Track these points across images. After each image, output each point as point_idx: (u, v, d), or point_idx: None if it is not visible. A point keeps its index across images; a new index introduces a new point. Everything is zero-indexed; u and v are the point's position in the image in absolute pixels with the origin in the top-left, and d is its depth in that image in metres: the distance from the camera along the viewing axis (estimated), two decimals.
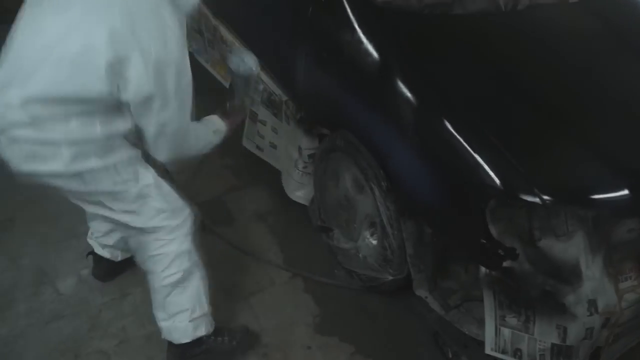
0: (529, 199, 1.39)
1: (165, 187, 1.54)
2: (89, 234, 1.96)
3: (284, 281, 2.07)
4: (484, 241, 1.46)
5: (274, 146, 2.33)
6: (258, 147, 2.41)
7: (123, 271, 2.01)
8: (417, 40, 1.69)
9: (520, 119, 1.52)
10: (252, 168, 2.51)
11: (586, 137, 1.49)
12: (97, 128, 1.37)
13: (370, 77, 1.69)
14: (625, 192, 1.44)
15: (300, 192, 2.25)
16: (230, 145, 1.87)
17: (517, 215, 1.44)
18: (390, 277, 1.87)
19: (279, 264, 2.12)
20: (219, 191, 2.46)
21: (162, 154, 1.47)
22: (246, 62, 1.75)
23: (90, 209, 1.58)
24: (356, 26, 1.73)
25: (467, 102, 1.54)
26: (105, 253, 1.95)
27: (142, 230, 1.53)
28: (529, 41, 1.76)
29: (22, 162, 1.38)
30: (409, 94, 1.58)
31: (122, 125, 1.40)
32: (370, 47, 1.69)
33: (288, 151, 2.21)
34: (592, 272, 1.45)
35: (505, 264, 1.47)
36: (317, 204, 2.19)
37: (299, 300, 2.01)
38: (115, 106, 1.36)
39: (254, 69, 1.76)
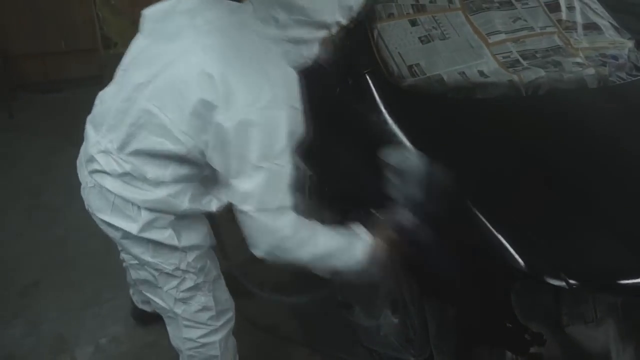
0: (555, 282, 1.38)
1: (221, 283, 1.48)
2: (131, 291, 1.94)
3: (302, 358, 2.03)
4: (510, 325, 1.44)
5: None
6: None
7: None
8: (441, 123, 1.76)
9: (546, 201, 1.53)
10: None
11: (613, 220, 1.48)
12: (185, 202, 1.28)
13: (394, 158, 1.74)
14: None
15: None
16: None
17: (544, 299, 1.42)
18: (412, 358, 1.82)
19: (297, 340, 2.09)
20: (240, 260, 2.47)
21: (255, 244, 1.21)
22: (411, 157, 1.41)
23: (138, 275, 1.47)
24: (382, 108, 1.81)
25: (490, 184, 1.57)
26: (146, 307, 1.92)
27: (179, 316, 1.48)
28: (550, 125, 1.80)
29: (101, 211, 1.36)
30: (432, 176, 1.62)
31: (213, 205, 1.32)
32: (395, 129, 1.76)
33: None
34: None
35: (532, 349, 1.44)
36: (338, 279, 2.18)
37: None
38: (209, 180, 1.28)
39: (422, 167, 1.38)
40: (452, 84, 1.86)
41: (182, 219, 1.35)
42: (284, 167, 1.18)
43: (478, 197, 1.53)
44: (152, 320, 1.94)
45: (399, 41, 1.97)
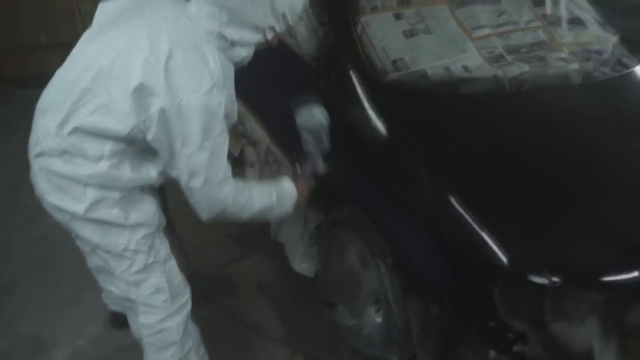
0: (539, 280, 1.36)
1: (172, 264, 1.50)
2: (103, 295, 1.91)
3: (285, 358, 2.00)
4: (493, 323, 1.42)
5: (279, 222, 2.32)
6: None
7: None
8: (424, 118, 1.73)
9: (529, 199, 1.51)
10: (257, 237, 2.50)
11: (596, 218, 1.47)
12: (127, 172, 1.35)
13: (377, 154, 1.72)
14: (637, 274, 1.41)
15: (305, 264, 2.22)
16: None
17: (528, 297, 1.41)
18: (396, 358, 1.80)
19: (280, 339, 2.06)
20: (223, 261, 2.44)
21: (201, 211, 1.39)
22: (315, 115, 1.63)
23: (93, 262, 1.52)
24: (365, 103, 1.78)
25: (473, 181, 1.55)
26: (117, 308, 1.87)
27: (135, 303, 1.49)
28: (534, 121, 1.78)
29: (48, 193, 1.38)
30: (416, 172, 1.60)
31: (152, 171, 1.39)
32: (377, 124, 1.73)
33: (294, 223, 2.21)
34: (608, 359, 1.40)
35: (516, 348, 1.42)
36: (321, 278, 2.16)
37: None
38: (145, 150, 1.35)
39: (324, 122, 1.63)
40: (436, 79, 1.83)
41: (128, 195, 1.38)
42: (222, 144, 1.34)
43: (461, 194, 1.51)
44: (126, 322, 1.91)
45: (383, 35, 1.93)
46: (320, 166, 1.70)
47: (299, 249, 2.22)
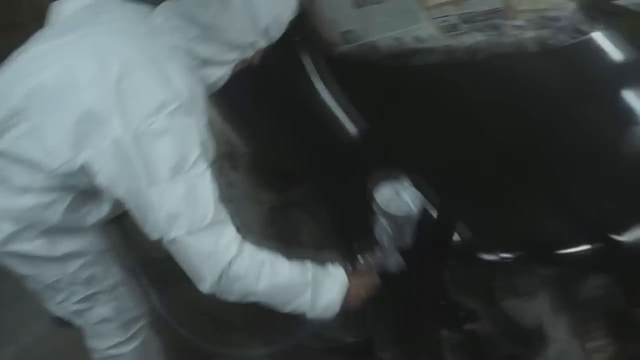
0: (488, 257, 1.33)
1: (122, 291, 1.29)
2: None
3: (244, 343, 1.95)
4: (443, 303, 1.39)
5: (230, 200, 2.24)
6: None
7: None
8: (374, 92, 1.66)
9: (480, 173, 1.46)
10: None
11: (546, 190, 1.43)
12: (58, 213, 1.10)
13: (327, 131, 1.65)
14: (589, 246, 1.38)
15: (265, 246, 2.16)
16: None
17: (478, 274, 1.37)
18: (352, 339, 1.76)
19: (237, 325, 2.00)
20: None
21: (200, 278, 1.04)
22: (402, 197, 1.17)
23: (29, 285, 1.29)
24: (313, 78, 1.70)
25: (425, 155, 1.49)
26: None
27: (82, 328, 1.33)
28: (488, 91, 1.73)
29: None
30: (366, 148, 1.54)
31: (93, 216, 1.14)
32: (326, 99, 1.65)
33: (248, 205, 2.14)
34: (558, 334, 1.37)
35: (467, 326, 1.39)
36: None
37: None
38: (89, 191, 1.09)
39: (413, 209, 1.16)
40: (387, 50, 1.75)
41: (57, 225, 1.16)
42: (202, 176, 1.02)
43: (410, 169, 1.45)
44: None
45: (332, 6, 1.85)
46: (394, 264, 1.25)
47: (256, 231, 2.16)
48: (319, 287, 1.13)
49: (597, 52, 1.99)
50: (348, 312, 1.19)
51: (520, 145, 1.56)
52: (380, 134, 1.56)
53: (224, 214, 1.05)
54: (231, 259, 1.02)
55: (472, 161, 1.48)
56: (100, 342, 1.36)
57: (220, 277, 1.03)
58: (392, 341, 1.68)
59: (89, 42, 1.06)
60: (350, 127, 1.61)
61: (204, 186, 1.02)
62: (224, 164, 2.23)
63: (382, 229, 1.20)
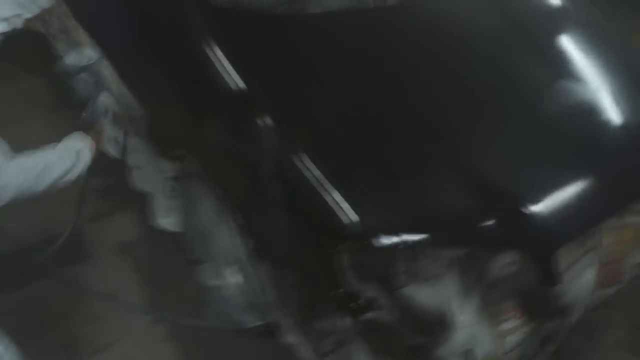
0: (385, 241, 1.17)
1: None
2: None
3: (144, 328, 1.78)
4: (340, 290, 1.23)
5: (138, 167, 2.02)
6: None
7: None
8: (266, 45, 1.42)
9: (377, 143, 1.28)
10: (125, 189, 2.18)
11: (450, 165, 1.26)
12: None
13: (209, 94, 1.41)
14: (498, 221, 1.25)
15: (169, 219, 1.95)
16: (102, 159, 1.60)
17: (377, 260, 1.21)
18: (258, 322, 1.62)
19: (138, 307, 1.83)
20: (81, 219, 2.12)
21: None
22: (83, 53, 1.53)
23: None
24: (192, 30, 1.44)
25: (317, 123, 1.29)
26: None
27: None
28: (401, 45, 1.52)
29: None
30: (253, 119, 1.32)
31: None
32: (209, 57, 1.41)
33: (153, 173, 1.92)
34: (467, 318, 1.26)
35: (368, 315, 1.25)
36: (185, 233, 1.91)
37: (162, 350, 1.74)
38: None
39: (93, 59, 1.52)
40: None
41: None
42: None
43: (303, 145, 1.25)
44: None
45: None
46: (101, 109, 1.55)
47: (161, 202, 1.95)
48: (81, 156, 1.40)
49: None
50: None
51: (424, 105, 1.37)
52: (267, 93, 1.34)
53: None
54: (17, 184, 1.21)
55: (367, 130, 1.29)
56: None
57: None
58: (300, 323, 1.55)
59: None
60: (235, 86, 1.38)
61: None
62: (128, 128, 1.97)
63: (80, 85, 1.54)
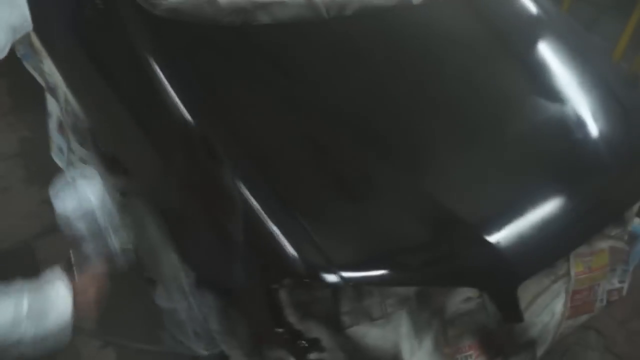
0: (328, 279, 1.06)
1: None
2: None
3: (92, 354, 1.68)
4: (280, 330, 1.13)
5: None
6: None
7: None
8: (211, 59, 1.31)
9: (327, 167, 1.17)
10: None
11: (399, 187, 1.14)
12: None
13: (148, 110, 1.30)
14: (454, 254, 1.14)
15: (120, 235, 1.85)
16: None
17: (320, 299, 1.11)
18: (205, 352, 1.52)
19: (85, 331, 1.72)
20: (30, 234, 2.01)
21: None
22: (80, 192, 1.15)
23: None
24: (134, 40, 1.33)
25: (266, 152, 1.17)
26: None
27: None
28: (357, 58, 1.39)
29: None
30: (192, 136, 1.21)
31: None
32: (149, 67, 1.29)
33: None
34: (420, 359, 1.16)
35: (312, 356, 1.15)
36: (138, 251, 1.81)
37: None
38: None
39: (92, 200, 1.16)
40: (227, 6, 1.37)
41: None
42: None
43: (247, 171, 1.13)
44: None
45: None
46: (98, 252, 1.23)
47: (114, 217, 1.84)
48: (41, 315, 1.01)
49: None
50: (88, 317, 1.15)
51: (387, 126, 1.26)
52: (211, 114, 1.22)
53: None
54: None
55: (319, 152, 1.18)
56: None
57: None
58: (251, 353, 1.45)
59: None
60: (176, 104, 1.26)
61: None
62: (75, 137, 1.86)
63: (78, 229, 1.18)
